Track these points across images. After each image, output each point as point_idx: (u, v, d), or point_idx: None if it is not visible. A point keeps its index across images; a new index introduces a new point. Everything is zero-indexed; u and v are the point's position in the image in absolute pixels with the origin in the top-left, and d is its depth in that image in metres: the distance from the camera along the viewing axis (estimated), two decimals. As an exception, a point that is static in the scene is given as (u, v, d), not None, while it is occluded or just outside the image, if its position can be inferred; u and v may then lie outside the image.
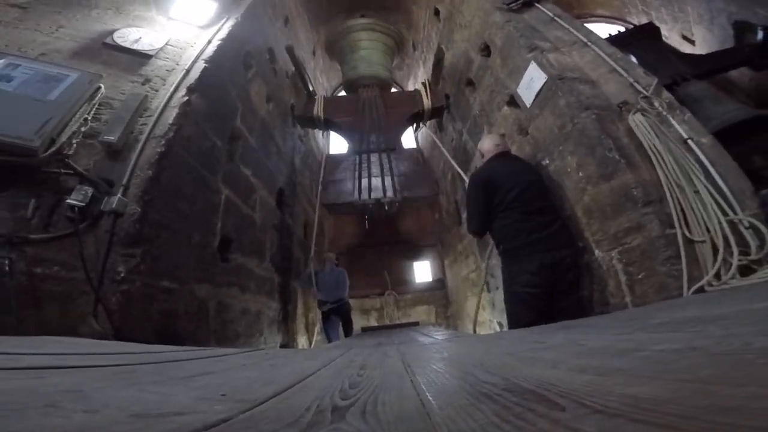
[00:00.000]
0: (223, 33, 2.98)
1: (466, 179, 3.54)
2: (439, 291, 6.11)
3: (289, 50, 4.00)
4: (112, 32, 2.73)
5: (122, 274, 1.87)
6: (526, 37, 2.70)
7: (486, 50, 3.27)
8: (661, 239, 1.81)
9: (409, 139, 6.80)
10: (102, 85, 2.34)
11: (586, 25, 3.12)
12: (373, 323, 5.57)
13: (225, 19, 3.13)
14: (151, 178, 2.06)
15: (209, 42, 2.88)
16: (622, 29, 4.18)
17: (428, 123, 4.79)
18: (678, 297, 1.70)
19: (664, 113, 2.12)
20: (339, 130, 4.77)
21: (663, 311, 1.07)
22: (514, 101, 2.91)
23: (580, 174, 2.24)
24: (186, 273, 2.26)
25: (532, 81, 2.60)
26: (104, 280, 1.85)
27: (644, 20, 4.49)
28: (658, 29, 3.85)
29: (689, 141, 2.00)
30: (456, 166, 3.66)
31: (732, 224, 1.73)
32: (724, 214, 1.76)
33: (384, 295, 5.92)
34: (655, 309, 1.32)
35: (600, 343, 0.75)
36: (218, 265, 2.59)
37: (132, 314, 1.87)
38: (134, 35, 2.75)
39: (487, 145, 2.56)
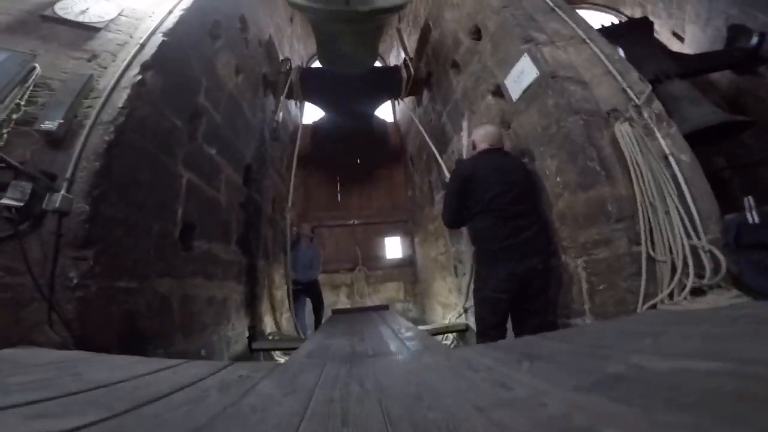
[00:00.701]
0: (187, 1, 2.63)
1: (442, 163, 3.46)
2: (408, 268, 6.14)
3: None
4: (54, 3, 2.37)
5: (75, 280, 1.73)
6: (522, 27, 2.53)
7: (476, 33, 3.06)
8: (627, 256, 1.87)
9: (386, 110, 6.54)
10: (37, 65, 2.05)
11: (578, 12, 2.95)
12: (343, 299, 5.67)
13: None
14: (99, 170, 1.85)
15: (170, 12, 2.54)
16: (614, 19, 4.05)
17: (406, 99, 4.56)
18: (632, 312, 1.78)
19: (651, 125, 2.09)
20: (315, 102, 4.47)
21: (619, 344, 1.14)
22: (499, 91, 2.78)
23: (558, 179, 2.23)
24: (146, 268, 2.13)
25: (522, 74, 2.48)
26: (55, 286, 1.71)
27: (638, 12, 4.38)
28: (651, 24, 3.77)
29: (670, 157, 2.00)
30: (434, 148, 3.55)
31: (693, 247, 1.80)
32: (688, 237, 1.82)
33: (355, 271, 5.90)
34: (612, 335, 1.37)
35: (561, 399, 0.77)
36: (180, 255, 2.45)
37: (91, 320, 1.76)
38: (80, 6, 2.41)
39: (480, 137, 2.44)
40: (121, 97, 2.05)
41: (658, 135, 2.07)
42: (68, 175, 1.81)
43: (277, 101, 4.16)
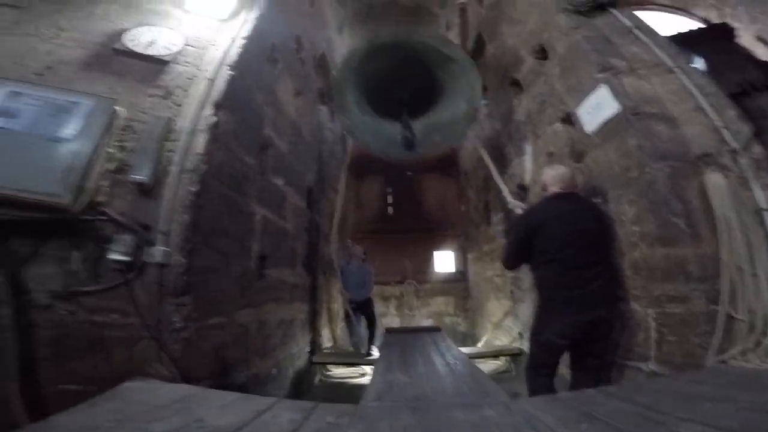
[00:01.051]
0: (248, 29, 2.63)
1: (504, 188, 3.36)
2: (459, 283, 6.15)
3: None
4: (121, 33, 2.41)
5: (178, 324, 1.92)
6: (598, 53, 2.38)
7: (541, 53, 2.92)
8: (704, 315, 1.80)
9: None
10: (121, 109, 2.12)
11: (637, 13, 2.69)
12: (392, 310, 5.84)
13: (248, 9, 2.74)
14: (190, 223, 1.99)
15: (233, 40, 2.55)
16: (685, 19, 3.71)
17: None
18: (700, 365, 1.76)
19: (748, 174, 1.91)
20: None
21: (676, 409, 1.17)
22: (569, 119, 2.67)
23: (635, 228, 2.15)
24: (230, 304, 2.34)
25: (598, 107, 2.36)
26: (161, 328, 1.92)
27: (713, 14, 3.96)
28: (732, 30, 3.41)
29: (765, 213, 1.88)
30: (494, 170, 3.46)
31: (775, 308, 1.73)
32: (774, 300, 1.74)
33: (404, 284, 6.01)
34: (672, 396, 1.38)
35: None
36: (255, 285, 2.64)
37: (191, 357, 1.97)
38: (147, 36, 2.42)
39: (550, 179, 2.32)
40: (200, 142, 2.13)
41: (755, 186, 1.90)
42: (163, 227, 1.97)
43: (334, 116, 4.20)
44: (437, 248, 6.42)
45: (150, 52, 2.39)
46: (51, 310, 1.84)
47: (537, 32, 2.94)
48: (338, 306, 4.26)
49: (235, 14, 2.74)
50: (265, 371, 2.73)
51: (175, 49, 2.45)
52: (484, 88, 4.01)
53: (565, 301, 2.11)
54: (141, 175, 2.00)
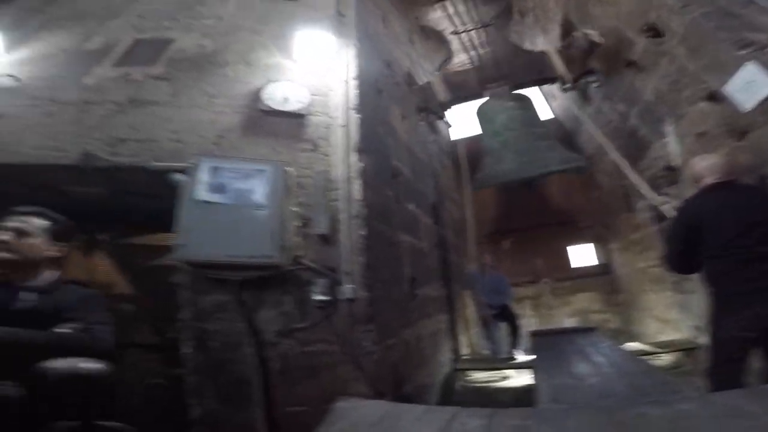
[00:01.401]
0: (353, 68, 2.91)
1: (638, 182, 3.28)
2: (602, 277, 5.93)
3: None
4: (255, 92, 2.72)
5: (369, 348, 2.37)
6: (728, 30, 2.33)
7: (651, 31, 2.88)
8: None
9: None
10: (291, 169, 2.51)
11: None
12: (529, 312, 5.84)
13: (345, 48, 3.01)
14: (365, 264, 2.42)
15: (346, 83, 2.83)
16: None
17: (568, 94, 4.42)
18: None
19: None
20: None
21: None
22: (715, 96, 2.59)
23: (832, 209, 2.06)
24: (396, 326, 2.76)
25: (751, 84, 2.28)
26: (356, 352, 2.38)
27: None
28: None
29: None
30: (615, 153, 3.43)
31: None
32: None
33: (538, 283, 5.98)
34: None
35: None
36: (410, 305, 3.05)
37: (380, 375, 2.39)
38: (279, 93, 2.70)
39: (701, 169, 2.25)
40: (356, 188, 2.51)
41: None
42: (346, 269, 2.43)
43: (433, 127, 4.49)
44: (570, 242, 6.21)
45: (288, 108, 2.67)
46: (277, 346, 2.39)
47: (640, 12, 2.91)
48: (471, 312, 4.58)
49: (335, 55, 2.95)
50: (423, 381, 3.14)
51: (305, 101, 2.69)
52: (592, 71, 3.95)
53: (743, 296, 2.05)
54: (321, 228, 2.46)
